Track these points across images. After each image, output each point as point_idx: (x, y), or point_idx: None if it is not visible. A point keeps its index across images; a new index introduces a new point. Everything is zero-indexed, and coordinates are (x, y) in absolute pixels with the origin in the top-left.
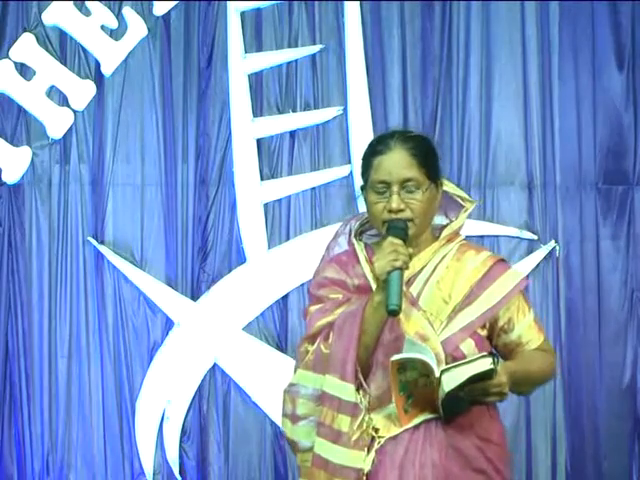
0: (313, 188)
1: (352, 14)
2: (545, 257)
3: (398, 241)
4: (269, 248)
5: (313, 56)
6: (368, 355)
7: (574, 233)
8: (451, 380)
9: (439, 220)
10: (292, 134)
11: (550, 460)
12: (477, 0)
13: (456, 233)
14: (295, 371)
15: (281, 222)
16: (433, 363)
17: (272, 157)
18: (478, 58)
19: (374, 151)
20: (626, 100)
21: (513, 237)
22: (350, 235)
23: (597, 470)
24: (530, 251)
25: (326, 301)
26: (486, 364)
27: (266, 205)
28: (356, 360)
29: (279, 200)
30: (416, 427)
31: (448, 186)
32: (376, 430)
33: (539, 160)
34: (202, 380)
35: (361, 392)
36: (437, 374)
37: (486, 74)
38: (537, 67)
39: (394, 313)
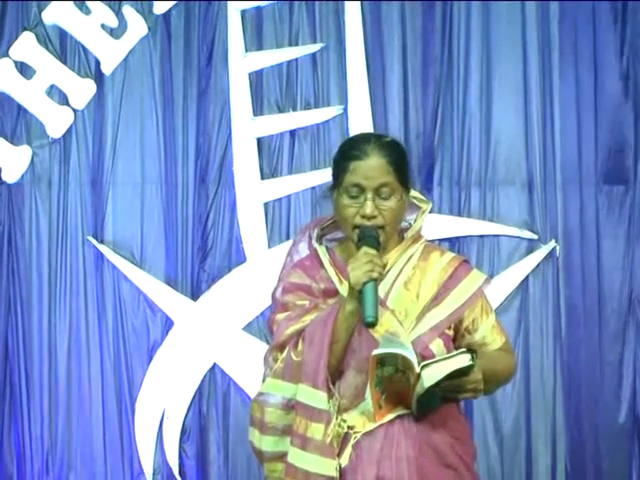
0: (313, 187)
1: (353, 13)
2: (545, 257)
3: (373, 251)
4: (269, 247)
5: (314, 55)
6: (339, 361)
7: (574, 232)
8: (431, 376)
9: None
10: (292, 133)
11: (550, 459)
12: (478, 0)
13: (418, 234)
14: (264, 380)
15: (281, 221)
16: (414, 358)
17: (272, 156)
18: (478, 57)
19: (350, 155)
20: (626, 99)
21: (513, 237)
22: (311, 240)
23: (597, 469)
24: (530, 251)
25: (292, 307)
26: (465, 360)
27: (266, 204)
28: (327, 368)
29: (279, 199)
30: (390, 422)
31: None
32: (351, 427)
33: (539, 159)
34: (202, 380)
35: (332, 399)
36: (417, 369)
37: (486, 73)
38: (537, 66)
39: (371, 325)
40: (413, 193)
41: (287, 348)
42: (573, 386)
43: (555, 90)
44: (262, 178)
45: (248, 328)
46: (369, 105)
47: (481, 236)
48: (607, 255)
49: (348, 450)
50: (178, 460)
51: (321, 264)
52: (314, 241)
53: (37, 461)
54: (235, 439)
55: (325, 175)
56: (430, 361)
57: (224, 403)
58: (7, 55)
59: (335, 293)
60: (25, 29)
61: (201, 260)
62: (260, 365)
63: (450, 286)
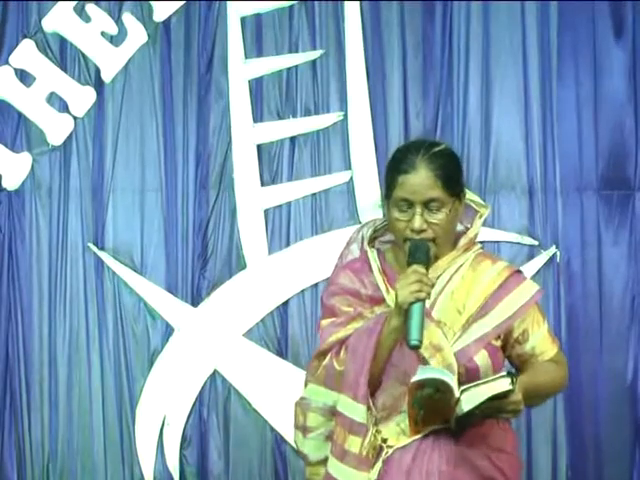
0: (313, 194)
1: (352, 16)
2: (546, 263)
3: (422, 270)
4: (269, 254)
5: (313, 61)
6: (379, 373)
7: (575, 239)
8: (470, 399)
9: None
10: (292, 140)
11: (551, 466)
12: (477, 0)
13: (472, 241)
14: (306, 385)
15: (281, 228)
16: (453, 383)
17: (272, 163)
18: (478, 62)
19: (399, 169)
20: (628, 104)
21: (513, 243)
22: (363, 242)
23: (598, 477)
24: (531, 257)
25: (338, 313)
26: (505, 384)
27: (266, 211)
28: (368, 381)
29: (279, 206)
30: (425, 436)
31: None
32: (384, 440)
33: (540, 165)
34: (202, 386)
35: (370, 412)
36: (457, 394)
37: (486, 78)
38: (537, 70)
39: (416, 348)
40: (470, 195)
41: (329, 355)
42: (574, 392)
43: (555, 94)
44: (262, 185)
45: (249, 335)
46: (369, 111)
47: (481, 242)
48: (608, 261)
49: (378, 465)
50: (179, 467)
51: (371, 269)
52: (366, 243)
53: (37, 468)
54: (236, 446)
55: (325, 182)
56: (470, 385)
57: (224, 410)
58: (7, 63)
59: (381, 301)
60: (25, 37)
61: (201, 266)
62: (260, 372)
63: (499, 297)
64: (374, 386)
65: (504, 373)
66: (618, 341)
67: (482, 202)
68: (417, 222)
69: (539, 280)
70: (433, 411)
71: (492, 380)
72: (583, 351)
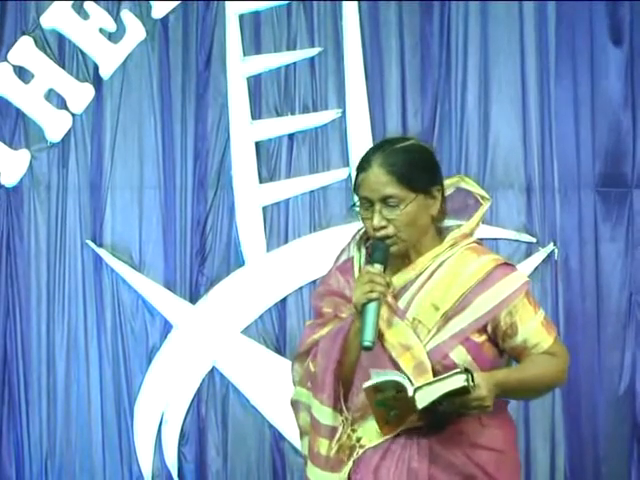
0: (312, 191)
1: (350, 15)
2: (544, 260)
3: (375, 270)
4: (268, 251)
5: (312, 59)
6: (350, 374)
7: (573, 236)
8: (423, 398)
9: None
10: (291, 137)
11: (549, 464)
12: (475, 0)
13: (464, 236)
14: (294, 386)
15: (280, 225)
16: (406, 382)
17: (271, 160)
18: (476, 61)
19: (358, 167)
20: (624, 102)
21: (512, 240)
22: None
23: (596, 474)
24: (529, 254)
25: (322, 313)
26: (459, 381)
27: (265, 208)
28: (335, 382)
29: (278, 203)
30: (398, 435)
31: (468, 183)
32: (359, 440)
33: (537, 163)
34: (201, 383)
35: (342, 415)
36: (410, 393)
37: (484, 77)
38: (535, 69)
39: (368, 349)
40: (477, 189)
41: (309, 358)
42: (572, 390)
43: (552, 93)
44: (260, 182)
45: (247, 331)
46: (367, 108)
47: (480, 239)
48: (605, 258)
49: (349, 465)
50: (177, 463)
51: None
52: (353, 244)
53: (36, 465)
54: (234, 442)
55: (323, 179)
56: (423, 383)
57: (223, 406)
58: (5, 59)
59: None
60: (23, 33)
61: (200, 264)
62: (259, 368)
63: (479, 291)
64: (346, 387)
65: (459, 370)
66: (615, 337)
67: (484, 193)
68: (375, 219)
69: (537, 277)
70: (406, 409)
71: (445, 378)
72: (581, 348)
